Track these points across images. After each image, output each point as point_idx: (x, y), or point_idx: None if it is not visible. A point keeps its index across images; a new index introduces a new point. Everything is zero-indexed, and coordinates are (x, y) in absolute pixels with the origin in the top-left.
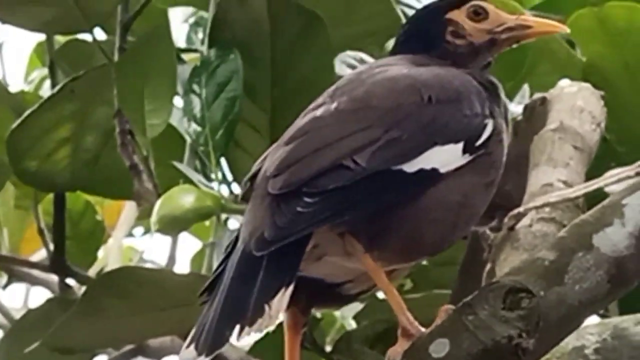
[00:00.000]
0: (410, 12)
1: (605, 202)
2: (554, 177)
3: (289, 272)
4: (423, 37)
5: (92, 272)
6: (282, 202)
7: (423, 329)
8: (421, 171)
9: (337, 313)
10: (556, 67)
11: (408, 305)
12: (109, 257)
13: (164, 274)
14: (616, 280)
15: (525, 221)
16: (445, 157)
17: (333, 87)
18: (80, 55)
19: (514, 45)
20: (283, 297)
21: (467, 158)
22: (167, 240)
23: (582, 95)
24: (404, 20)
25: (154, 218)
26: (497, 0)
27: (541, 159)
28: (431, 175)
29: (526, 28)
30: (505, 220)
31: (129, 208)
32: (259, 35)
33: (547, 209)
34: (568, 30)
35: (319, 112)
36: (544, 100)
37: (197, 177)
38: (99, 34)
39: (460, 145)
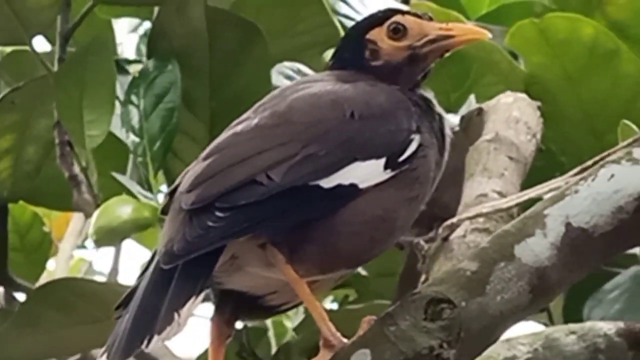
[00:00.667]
0: (349, 24)
1: (527, 212)
2: (488, 187)
3: (200, 282)
4: (348, 56)
5: (39, 284)
6: (194, 216)
7: (345, 340)
8: (339, 187)
9: (289, 324)
10: (499, 78)
11: (349, 316)
12: (56, 269)
13: (104, 285)
14: (538, 290)
15: (459, 232)
16: (366, 172)
17: (257, 104)
18: (23, 66)
19: (446, 55)
20: (192, 306)
21: (389, 174)
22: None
23: (518, 106)
24: (342, 32)
25: (91, 229)
26: (439, 12)
27: (476, 170)
28: (350, 191)
29: (448, 38)
30: (439, 231)
31: (77, 219)
32: (197, 46)
33: (481, 220)
34: (490, 36)
35: (239, 128)
36: (480, 111)
37: (136, 188)
38: (43, 45)
39: (382, 160)
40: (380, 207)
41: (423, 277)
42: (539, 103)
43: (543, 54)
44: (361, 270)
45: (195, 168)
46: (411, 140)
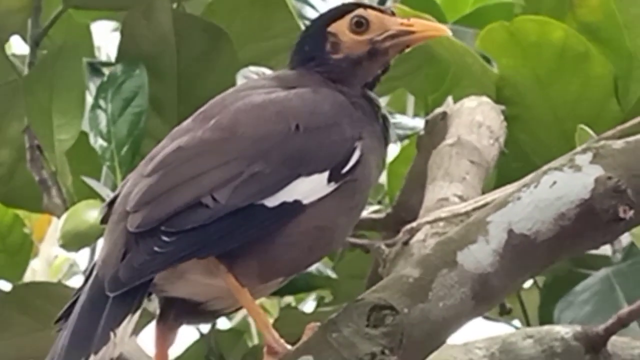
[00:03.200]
0: None
1: (471, 219)
2: (449, 191)
3: (136, 301)
4: (308, 50)
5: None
6: (140, 240)
7: (289, 347)
8: (283, 204)
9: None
10: (472, 80)
11: (320, 318)
12: (36, 270)
13: (74, 289)
14: (480, 297)
15: (419, 236)
16: (310, 187)
17: (199, 111)
18: None
19: (406, 50)
20: (128, 325)
21: (332, 187)
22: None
23: (481, 110)
24: None
25: (58, 234)
26: (412, 15)
27: (438, 174)
28: (294, 207)
29: (409, 33)
30: (400, 234)
31: (58, 221)
32: (165, 51)
33: (441, 224)
34: (450, 34)
35: (184, 141)
36: (444, 115)
37: (105, 192)
38: (21, 46)
39: (326, 174)
40: (321, 219)
41: None
42: (503, 107)
43: (513, 56)
44: (331, 273)
45: (140, 185)
46: (354, 149)
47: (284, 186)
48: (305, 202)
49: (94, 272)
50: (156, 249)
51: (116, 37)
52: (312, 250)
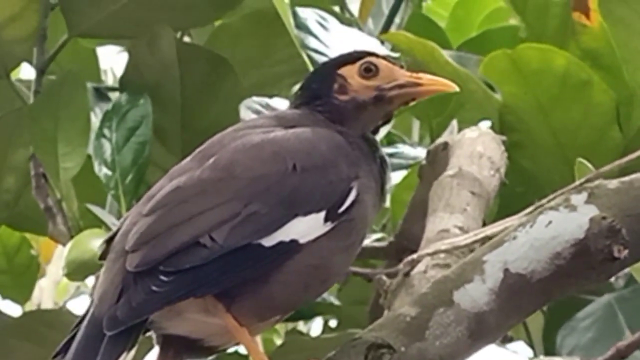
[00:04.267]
0: (319, 57)
1: (467, 258)
2: (450, 223)
3: (132, 338)
4: (315, 88)
5: (28, 307)
6: (139, 279)
7: None
8: (280, 244)
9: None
10: (475, 106)
11: (324, 345)
12: (43, 292)
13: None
14: (477, 335)
15: (420, 267)
16: (306, 227)
17: (198, 150)
18: (2, 96)
19: (411, 104)
20: None
21: (329, 226)
22: None
23: (482, 141)
24: (310, 65)
25: (63, 263)
26: (415, 42)
27: (439, 205)
28: (290, 247)
29: (416, 85)
30: (400, 266)
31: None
32: (169, 80)
33: (442, 255)
34: (458, 89)
35: (182, 181)
36: (446, 146)
37: (111, 220)
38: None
39: (322, 214)
40: (316, 258)
41: (386, 312)
42: (504, 137)
43: (516, 84)
44: (334, 300)
45: (139, 224)
46: (351, 189)
47: (281, 226)
48: (302, 241)
49: (91, 310)
50: (154, 288)
51: (122, 59)
52: (308, 288)
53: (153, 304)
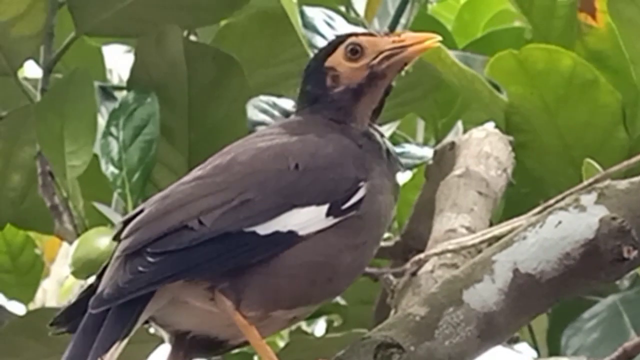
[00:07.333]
0: None
1: (476, 258)
2: (457, 223)
3: (126, 327)
4: (310, 89)
5: (32, 306)
6: (128, 261)
7: None
8: (276, 233)
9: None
10: (481, 106)
11: (329, 344)
12: (47, 291)
13: None
14: (486, 335)
15: (427, 267)
16: (306, 219)
17: (209, 159)
18: (9, 94)
19: (407, 68)
20: (115, 352)
21: (332, 220)
22: None
23: (489, 141)
24: None
25: (69, 261)
26: None
27: (446, 205)
28: (288, 237)
29: (402, 50)
30: (407, 265)
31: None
32: (176, 79)
33: (449, 255)
34: (440, 38)
35: (185, 179)
36: (453, 145)
37: (117, 218)
38: (35, 70)
39: (324, 207)
40: (321, 253)
41: (392, 312)
42: (511, 138)
43: (522, 84)
44: (339, 299)
45: (140, 215)
46: (359, 188)
47: (277, 215)
48: (301, 233)
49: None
50: (140, 268)
51: (128, 59)
52: (314, 285)
53: (138, 284)
